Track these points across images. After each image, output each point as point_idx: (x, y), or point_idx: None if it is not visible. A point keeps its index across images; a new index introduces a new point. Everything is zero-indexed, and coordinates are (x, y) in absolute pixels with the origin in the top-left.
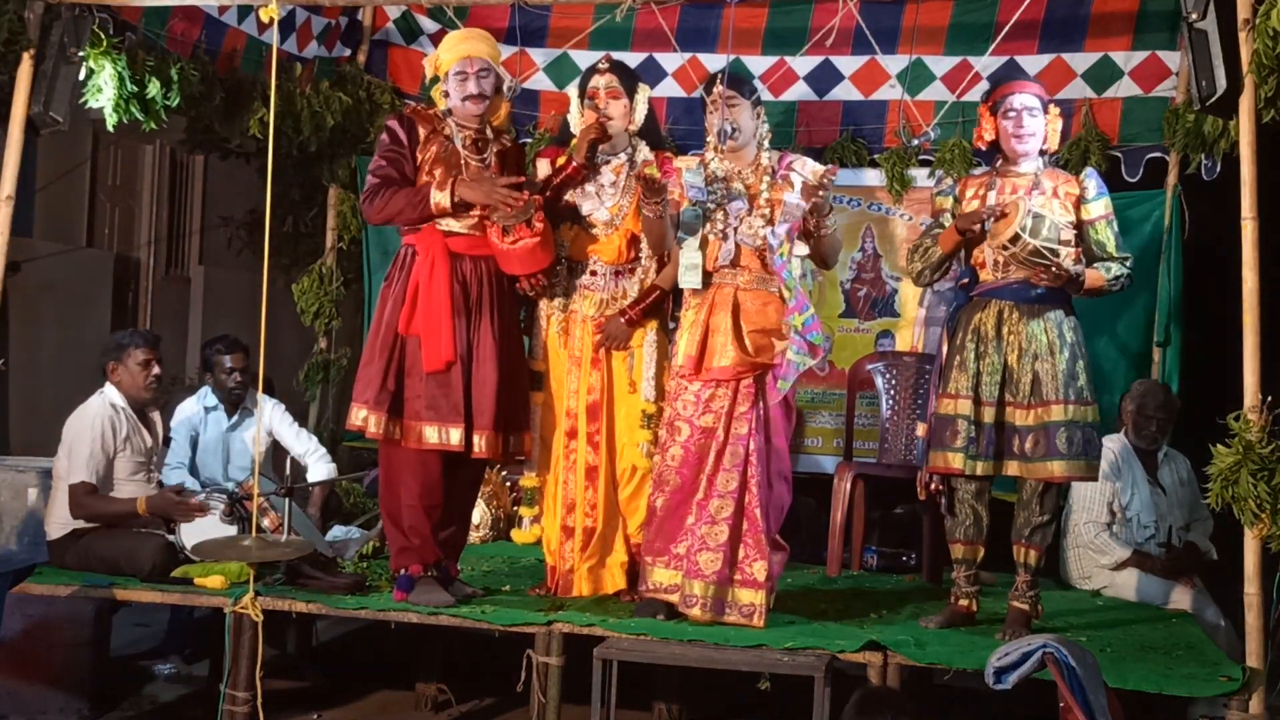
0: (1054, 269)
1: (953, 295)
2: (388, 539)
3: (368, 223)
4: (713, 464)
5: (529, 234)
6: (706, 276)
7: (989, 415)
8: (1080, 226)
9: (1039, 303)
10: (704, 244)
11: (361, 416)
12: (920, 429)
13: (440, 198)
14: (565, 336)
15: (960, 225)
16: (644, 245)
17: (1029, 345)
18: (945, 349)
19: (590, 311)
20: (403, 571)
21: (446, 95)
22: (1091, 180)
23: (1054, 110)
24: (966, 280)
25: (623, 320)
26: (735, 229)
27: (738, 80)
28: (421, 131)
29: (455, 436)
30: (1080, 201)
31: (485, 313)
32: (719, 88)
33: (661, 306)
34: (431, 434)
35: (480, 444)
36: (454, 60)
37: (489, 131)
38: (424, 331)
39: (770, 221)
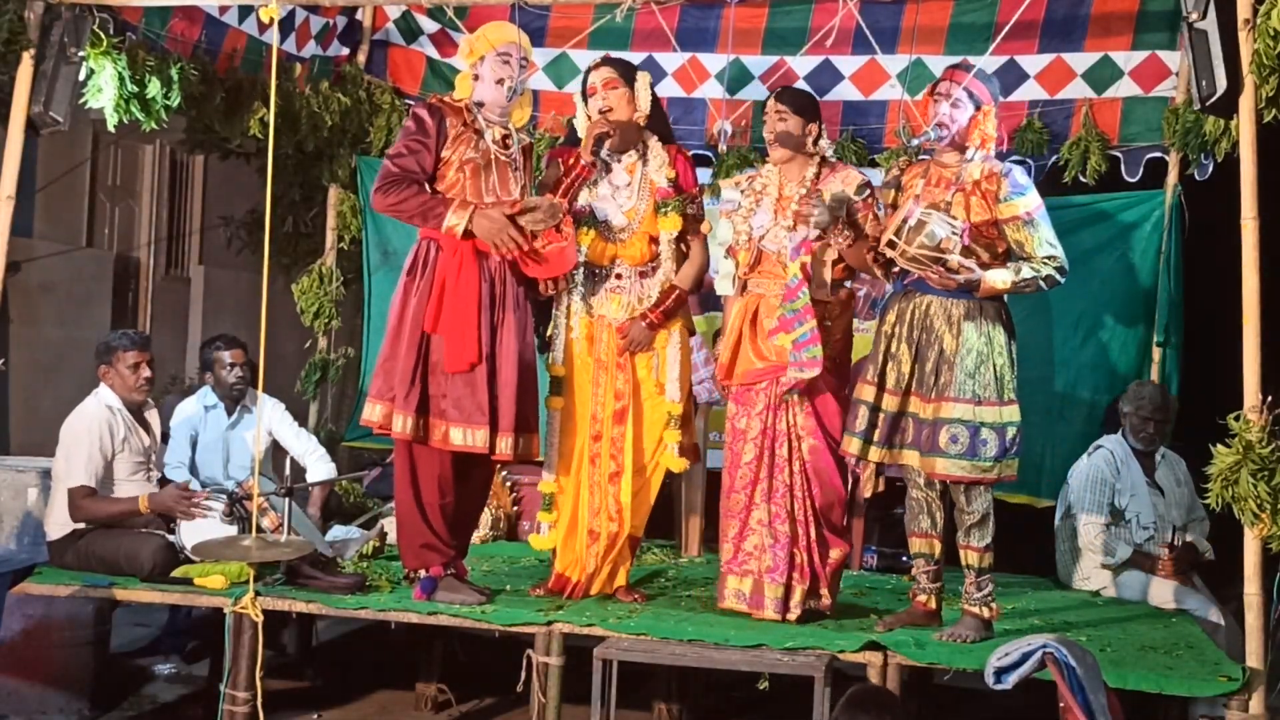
0: (935, 274)
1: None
2: (403, 539)
3: (372, 208)
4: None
5: (559, 239)
6: (743, 284)
7: (893, 404)
8: (998, 225)
9: (957, 297)
10: (729, 253)
11: (381, 413)
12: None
13: (455, 221)
14: (590, 342)
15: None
16: (663, 246)
17: (938, 339)
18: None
19: (619, 315)
20: (423, 573)
21: (477, 79)
22: (1008, 179)
23: (986, 109)
24: (898, 270)
25: (644, 324)
26: (760, 238)
27: (791, 95)
28: (451, 128)
29: (480, 437)
30: (996, 200)
31: (508, 311)
32: (771, 100)
33: (683, 307)
34: (457, 435)
35: (503, 446)
36: (502, 41)
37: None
38: (449, 331)
39: (794, 230)
